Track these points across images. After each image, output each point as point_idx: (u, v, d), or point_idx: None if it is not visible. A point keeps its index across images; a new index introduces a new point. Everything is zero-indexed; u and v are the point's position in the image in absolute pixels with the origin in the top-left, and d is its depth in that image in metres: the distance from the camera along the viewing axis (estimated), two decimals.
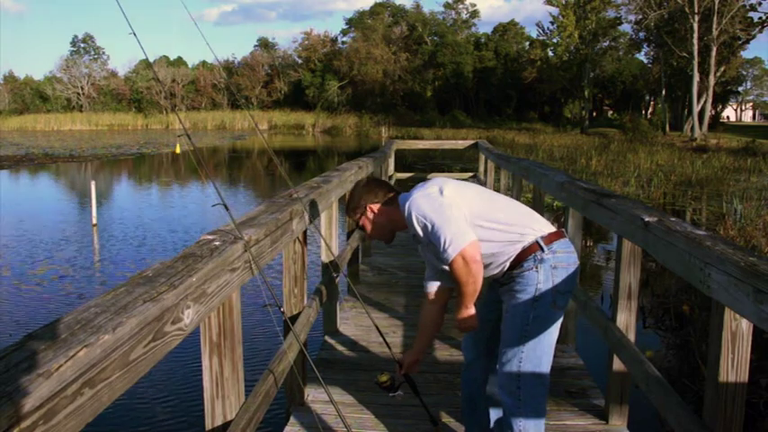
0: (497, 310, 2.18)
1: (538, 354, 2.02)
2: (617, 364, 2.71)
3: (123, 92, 61.52)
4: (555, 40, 45.25)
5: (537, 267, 2.00)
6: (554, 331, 2.05)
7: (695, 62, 33.59)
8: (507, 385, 2.07)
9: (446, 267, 2.02)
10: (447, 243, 1.94)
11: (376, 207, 2.23)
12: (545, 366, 2.05)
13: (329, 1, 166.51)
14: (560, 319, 2.06)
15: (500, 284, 2.14)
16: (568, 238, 2.16)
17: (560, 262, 2.02)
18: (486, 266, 2.05)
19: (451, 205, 1.99)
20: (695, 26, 32.99)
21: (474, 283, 1.98)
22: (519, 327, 2.02)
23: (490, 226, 2.01)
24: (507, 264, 2.06)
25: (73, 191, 16.89)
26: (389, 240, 2.32)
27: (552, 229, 2.07)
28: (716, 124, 42.59)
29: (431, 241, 2.02)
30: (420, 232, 2.05)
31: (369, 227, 2.27)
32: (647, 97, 51.03)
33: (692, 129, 33.71)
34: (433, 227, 1.98)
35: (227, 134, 44.72)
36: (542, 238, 2.02)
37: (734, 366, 1.75)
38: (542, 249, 2.00)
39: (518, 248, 2.02)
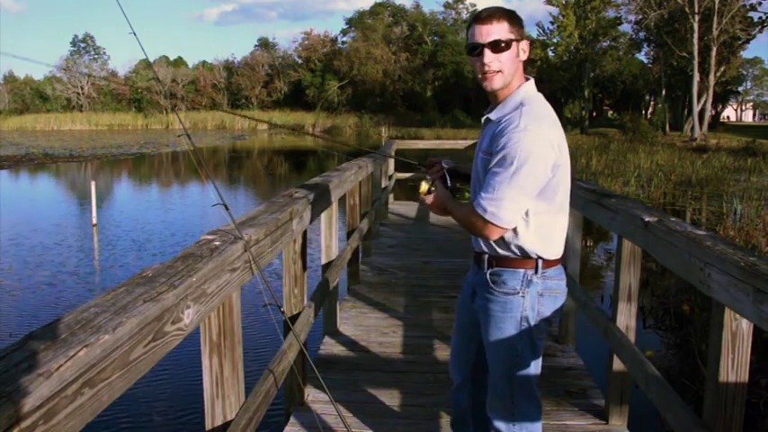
0: (479, 333, 2.03)
1: (529, 377, 1.96)
2: (617, 364, 2.71)
3: (123, 92, 61.57)
4: (555, 40, 45.24)
5: (523, 292, 1.86)
6: (540, 352, 1.97)
7: (695, 62, 33.59)
8: (502, 411, 1.98)
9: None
10: (496, 201, 1.73)
11: (527, 48, 1.83)
12: (535, 384, 1.98)
13: (329, 1, 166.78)
14: (543, 340, 1.98)
15: (473, 292, 2.01)
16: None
17: (548, 289, 1.90)
18: None
19: (542, 179, 1.74)
20: (695, 26, 32.99)
21: (463, 227, 1.89)
22: (508, 359, 1.93)
23: (522, 223, 1.83)
24: (494, 257, 1.91)
25: (73, 191, 16.88)
26: (484, 82, 1.80)
27: (558, 255, 1.93)
28: (716, 124, 42.63)
29: (489, 168, 1.75)
30: (494, 152, 1.73)
31: (502, 58, 1.77)
32: (647, 97, 51.05)
33: (692, 129, 33.71)
34: (508, 171, 1.69)
35: (227, 134, 44.74)
36: (543, 261, 1.87)
37: (734, 366, 1.75)
38: (536, 271, 1.87)
39: (516, 253, 1.88)
